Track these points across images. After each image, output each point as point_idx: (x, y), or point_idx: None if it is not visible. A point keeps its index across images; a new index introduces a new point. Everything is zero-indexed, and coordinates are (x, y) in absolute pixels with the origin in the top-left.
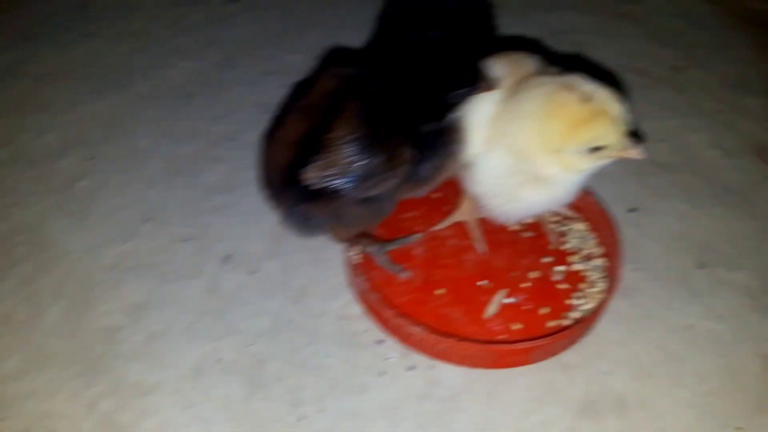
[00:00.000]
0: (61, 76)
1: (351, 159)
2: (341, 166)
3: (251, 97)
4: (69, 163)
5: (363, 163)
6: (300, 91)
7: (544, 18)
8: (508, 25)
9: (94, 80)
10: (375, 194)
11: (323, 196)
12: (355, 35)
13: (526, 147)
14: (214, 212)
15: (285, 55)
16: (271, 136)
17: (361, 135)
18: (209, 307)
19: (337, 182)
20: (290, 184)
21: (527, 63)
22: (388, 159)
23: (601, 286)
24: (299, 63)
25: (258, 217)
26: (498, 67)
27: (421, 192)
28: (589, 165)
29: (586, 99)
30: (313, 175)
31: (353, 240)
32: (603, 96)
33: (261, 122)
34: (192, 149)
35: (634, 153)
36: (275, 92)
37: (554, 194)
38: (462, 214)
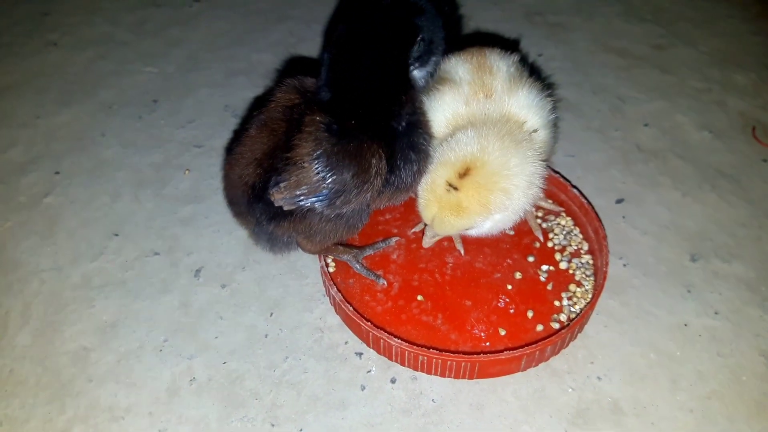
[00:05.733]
0: (22, 88)
1: (321, 176)
2: (311, 185)
3: (217, 99)
4: (34, 179)
5: (334, 179)
6: (257, 104)
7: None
8: (481, 9)
9: (57, 91)
10: (348, 209)
11: (293, 215)
12: (321, 29)
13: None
14: (183, 224)
15: (251, 54)
16: (232, 151)
17: (328, 150)
18: (181, 324)
19: (308, 201)
20: (256, 202)
21: (497, 65)
22: (361, 171)
23: (588, 284)
24: (265, 62)
25: (228, 227)
26: (462, 66)
27: (401, 199)
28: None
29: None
30: (283, 195)
31: (326, 249)
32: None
33: (228, 126)
34: (158, 158)
35: (425, 240)
36: (242, 93)
37: None
38: None
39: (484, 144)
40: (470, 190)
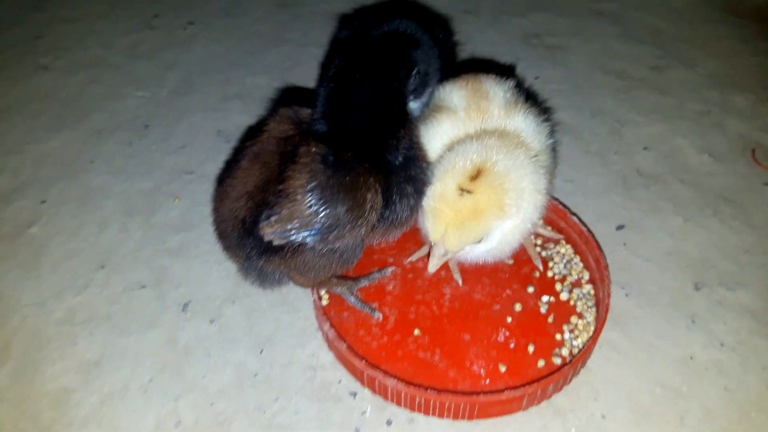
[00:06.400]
0: (12, 113)
1: (313, 209)
2: (303, 218)
3: (211, 124)
4: (19, 208)
5: (327, 212)
6: (251, 134)
7: (516, 22)
8: (478, 32)
9: (48, 115)
10: (342, 244)
11: (284, 250)
12: (316, 53)
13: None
14: (171, 254)
15: (245, 78)
16: (223, 183)
17: (323, 182)
18: (168, 362)
19: (300, 235)
20: (247, 237)
21: (492, 91)
22: (355, 206)
23: (590, 316)
24: (261, 85)
25: (218, 257)
26: (457, 93)
27: (395, 235)
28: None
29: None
30: (273, 230)
31: (319, 283)
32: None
33: (221, 151)
34: (148, 186)
35: (432, 262)
36: (236, 118)
37: None
38: None
39: (490, 147)
40: (485, 190)
